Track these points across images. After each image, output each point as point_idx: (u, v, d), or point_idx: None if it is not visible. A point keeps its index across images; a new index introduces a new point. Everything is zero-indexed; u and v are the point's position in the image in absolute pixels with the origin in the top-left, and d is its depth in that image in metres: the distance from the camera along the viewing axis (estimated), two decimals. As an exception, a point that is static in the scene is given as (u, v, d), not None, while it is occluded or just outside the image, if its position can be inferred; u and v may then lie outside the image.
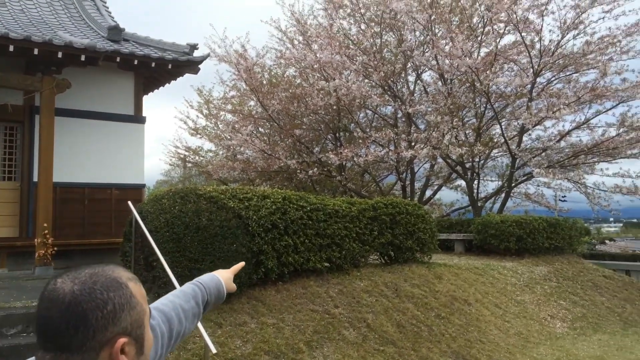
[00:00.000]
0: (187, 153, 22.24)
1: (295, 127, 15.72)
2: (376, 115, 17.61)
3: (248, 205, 7.25)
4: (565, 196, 19.23)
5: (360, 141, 14.78)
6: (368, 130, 16.29)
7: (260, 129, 18.33)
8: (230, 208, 7.02)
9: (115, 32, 9.92)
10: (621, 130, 13.18)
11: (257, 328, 6.25)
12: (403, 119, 16.17)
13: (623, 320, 9.51)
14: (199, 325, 5.01)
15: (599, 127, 14.14)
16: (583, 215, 17.33)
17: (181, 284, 5.58)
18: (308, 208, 7.85)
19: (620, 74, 12.78)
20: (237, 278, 6.43)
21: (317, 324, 6.70)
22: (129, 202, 6.99)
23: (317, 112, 15.72)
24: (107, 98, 10.46)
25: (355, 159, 14.45)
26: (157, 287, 6.26)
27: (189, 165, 23.45)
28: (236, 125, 17.18)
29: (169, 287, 6.08)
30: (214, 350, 4.80)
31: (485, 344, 7.50)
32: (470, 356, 7.08)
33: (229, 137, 17.74)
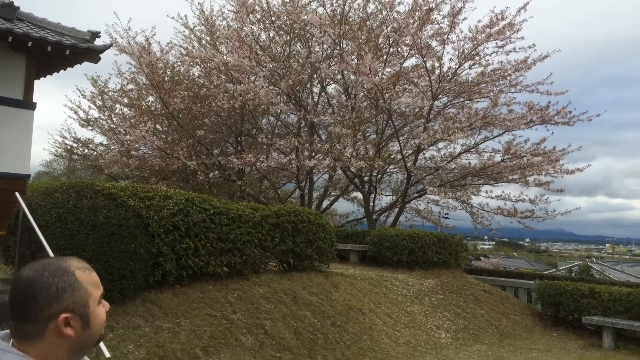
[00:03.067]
0: (75, 145, 20.88)
1: (196, 128, 15.34)
2: (279, 123, 17.68)
3: (149, 204, 6.95)
4: (447, 214, 20.51)
5: (265, 147, 14.75)
6: (271, 137, 16.29)
7: (158, 126, 17.67)
8: (130, 206, 6.69)
9: (9, 10, 9.12)
10: (505, 157, 14.29)
11: (152, 332, 5.98)
12: (306, 129, 16.38)
13: (500, 332, 10.26)
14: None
15: (486, 152, 15.24)
16: (463, 232, 18.56)
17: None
18: (211, 211, 7.68)
19: (508, 105, 13.90)
20: (132, 280, 6.09)
21: (214, 329, 6.55)
22: (17, 193, 6.42)
23: (220, 114, 15.47)
24: (-7, 78, 9.55)
25: (257, 164, 14.39)
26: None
27: (76, 157, 22.01)
28: (132, 121, 16.44)
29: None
30: (107, 355, 4.52)
31: (377, 352, 7.73)
32: (362, 364, 7.26)
33: (124, 132, 16.92)
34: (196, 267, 7.28)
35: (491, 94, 14.18)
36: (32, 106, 10.10)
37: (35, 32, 9.04)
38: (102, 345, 4.55)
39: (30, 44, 8.84)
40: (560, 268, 31.04)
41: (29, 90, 10.13)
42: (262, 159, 14.58)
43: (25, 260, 6.14)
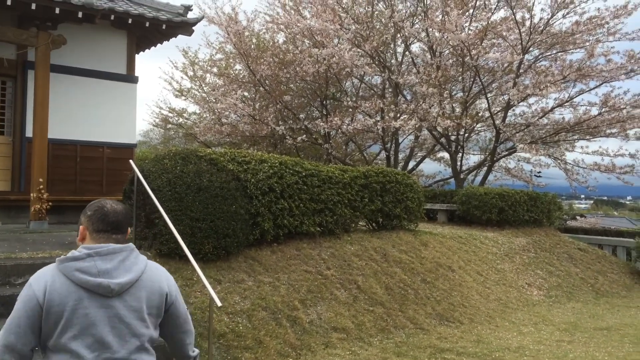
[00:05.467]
0: (170, 114, 22.12)
1: (283, 94, 15.76)
2: (363, 85, 17.74)
3: (246, 168, 7.42)
4: (540, 172, 19.86)
5: (350, 110, 14.93)
6: (356, 99, 16.42)
7: (246, 93, 18.32)
8: (229, 170, 7.18)
9: (110, -11, 9.79)
10: (603, 110, 13.57)
11: (255, 285, 6.50)
12: (391, 90, 16.34)
13: (595, 290, 10.04)
14: (204, 280, 5.23)
15: (581, 105, 14.51)
16: (557, 191, 17.89)
17: (184, 240, 5.78)
18: (303, 173, 8.05)
19: (606, 55, 13.10)
20: (234, 238, 6.62)
21: (310, 283, 6.98)
22: (131, 161, 7.09)
23: (305, 79, 15.76)
24: (100, 56, 10.39)
25: (343, 127, 14.63)
26: (159, 243, 6.45)
27: (170, 126, 23.30)
28: (223, 89, 17.15)
29: (170, 244, 6.28)
30: (219, 304, 5.02)
31: (467, 308, 7.90)
32: (453, 319, 7.47)
33: (215, 101, 17.72)
34: (291, 226, 7.72)
35: (587, 44, 13.42)
36: (134, 79, 10.90)
37: (134, 9, 9.68)
38: (214, 294, 5.06)
39: (130, 20, 9.49)
40: (665, 226, 29.08)
41: (131, 64, 10.93)
42: (348, 122, 14.78)
43: (141, 221, 6.84)
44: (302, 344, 5.80)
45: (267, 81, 15.83)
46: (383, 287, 7.57)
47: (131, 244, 2.11)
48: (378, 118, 14.96)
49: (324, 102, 16.86)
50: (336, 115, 14.63)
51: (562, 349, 6.38)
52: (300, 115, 17.74)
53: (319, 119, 15.58)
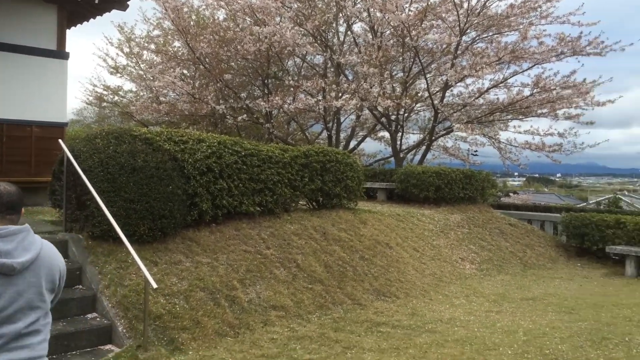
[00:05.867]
0: (105, 92, 21.35)
1: (223, 72, 15.50)
2: (305, 64, 17.68)
3: (184, 148, 7.30)
4: (477, 151, 20.55)
5: (291, 89, 14.87)
6: (297, 79, 16.37)
7: (185, 71, 17.90)
8: (165, 150, 7.04)
9: (37, -41, 9.27)
10: (534, 90, 14.13)
11: (192, 266, 6.46)
12: (332, 69, 16.38)
13: (523, 263, 10.57)
14: (139, 261, 5.16)
15: (515, 86, 15.06)
16: (492, 169, 18.60)
17: (118, 222, 5.66)
18: (243, 153, 8.00)
19: (538, 38, 13.60)
20: (171, 219, 6.54)
21: (249, 263, 7.00)
22: (60, 140, 6.82)
23: (246, 57, 15.55)
24: (28, 31, 9.84)
25: (284, 106, 14.58)
26: (92, 225, 6.28)
27: (106, 105, 22.50)
28: (160, 67, 16.69)
29: (103, 225, 6.12)
30: (154, 285, 4.98)
31: (403, 283, 8.15)
32: (390, 294, 7.69)
33: (152, 79, 17.24)
34: (230, 206, 7.68)
35: (521, 26, 13.88)
36: (65, 56, 10.43)
37: (64, -18, 9.23)
38: (149, 276, 5.00)
39: (60, -6, 9.04)
40: (590, 202, 30.92)
41: (61, 40, 10.44)
42: (289, 101, 14.74)
43: (72, 203, 6.62)
44: (240, 323, 5.83)
45: (207, 59, 15.52)
46: (322, 265, 7.68)
47: (27, 225, 2.32)
48: (320, 97, 14.99)
49: (266, 81, 16.72)
50: (278, 95, 14.55)
51: (490, 319, 6.71)
52: (242, 94, 17.53)
53: (261, 98, 15.44)
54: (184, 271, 6.30)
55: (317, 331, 5.90)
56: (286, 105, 14.51)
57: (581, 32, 13.50)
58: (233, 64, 16.83)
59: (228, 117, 15.52)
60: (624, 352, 5.45)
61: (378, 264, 8.37)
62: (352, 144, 18.24)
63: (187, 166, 7.16)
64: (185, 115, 16.89)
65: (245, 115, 15.63)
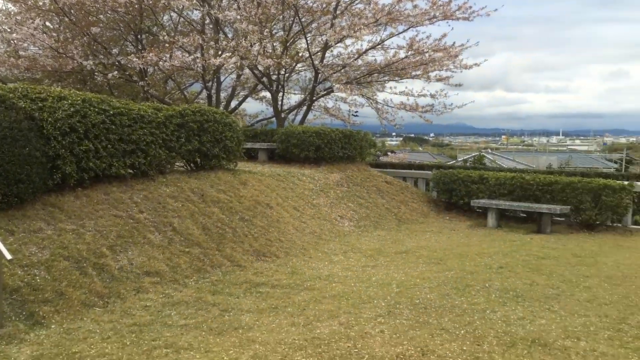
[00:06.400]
0: (-48, 44, 18.84)
1: (91, 25, 14.26)
2: (182, 19, 16.82)
3: (42, 106, 6.64)
4: (357, 112, 21.11)
5: (167, 45, 14.08)
6: (174, 34, 15.53)
7: (48, 23, 16.27)
8: (21, 108, 6.36)
9: None
10: (409, 53, 14.63)
11: (55, 234, 5.98)
12: (211, 26, 15.74)
13: (398, 218, 11.11)
14: (-11, 232, 4.65)
15: (391, 48, 15.45)
16: (371, 130, 19.25)
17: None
18: (111, 112, 7.46)
19: (413, 0, 13.99)
20: (29, 183, 6.00)
21: (120, 228, 6.64)
22: None
23: (116, 9, 14.42)
24: None
25: (160, 64, 13.81)
26: None
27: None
28: (18, 17, 15.00)
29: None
30: (8, 257, 4.54)
31: (283, 242, 8.21)
32: (270, 254, 7.72)
33: (9, 30, 15.48)
34: (98, 169, 7.18)
35: (396, -12, 14.18)
36: None
37: None
38: (2, 247, 4.54)
39: None
40: (459, 159, 33.22)
41: None
42: (165, 58, 13.97)
43: None
44: (110, 292, 5.52)
45: (72, 10, 14.18)
46: (200, 228, 7.49)
47: None
48: (198, 55, 14.37)
49: (139, 36, 15.68)
50: (152, 51, 13.71)
51: (366, 273, 6.97)
52: (113, 50, 16.31)
53: (134, 54, 14.47)
54: (45, 239, 5.81)
55: (194, 295, 5.77)
56: (162, 63, 13.75)
57: (452, -3, 14.09)
58: (102, 16, 15.54)
59: (97, 74, 14.41)
60: (484, 297, 5.93)
61: (258, 225, 8.33)
62: (233, 104, 17.84)
63: (47, 126, 6.54)
64: (49, 71, 15.41)
65: (116, 72, 14.62)
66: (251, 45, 13.67)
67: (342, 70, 15.80)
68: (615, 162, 47.81)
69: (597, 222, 10.33)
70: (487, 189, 11.61)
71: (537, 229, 10.31)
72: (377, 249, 8.54)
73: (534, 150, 74.82)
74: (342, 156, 12.95)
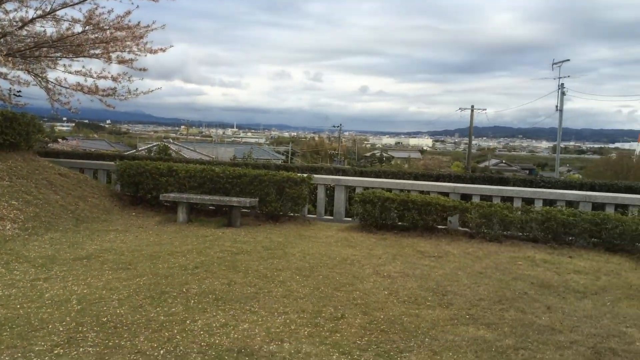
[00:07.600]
0: None
1: None
2: None
3: None
4: (20, 91, 18.06)
5: None
6: None
7: None
8: None
9: None
10: (87, 27, 12.98)
11: None
12: None
13: (76, 217, 9.65)
14: None
15: (65, 20, 13.46)
16: (38, 112, 16.66)
17: None
18: None
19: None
20: None
21: None
22: None
23: None
24: None
25: None
26: None
27: None
28: None
29: None
30: None
31: None
32: None
33: None
34: None
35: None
36: None
37: None
38: None
39: None
40: (140, 149, 32.01)
41: None
42: None
43: None
44: None
45: None
46: None
47: None
48: None
49: None
50: None
51: (37, 289, 5.68)
52: None
53: None
54: None
55: None
56: None
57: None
58: None
59: None
60: (182, 304, 5.40)
61: None
62: None
63: None
64: None
65: None
66: None
67: (2, 40, 13.09)
68: (282, 154, 53.42)
69: (281, 213, 10.90)
70: (176, 182, 11.10)
71: (227, 222, 10.29)
72: (50, 256, 7.13)
73: (212, 142, 78.08)
74: (3, 143, 10.66)
